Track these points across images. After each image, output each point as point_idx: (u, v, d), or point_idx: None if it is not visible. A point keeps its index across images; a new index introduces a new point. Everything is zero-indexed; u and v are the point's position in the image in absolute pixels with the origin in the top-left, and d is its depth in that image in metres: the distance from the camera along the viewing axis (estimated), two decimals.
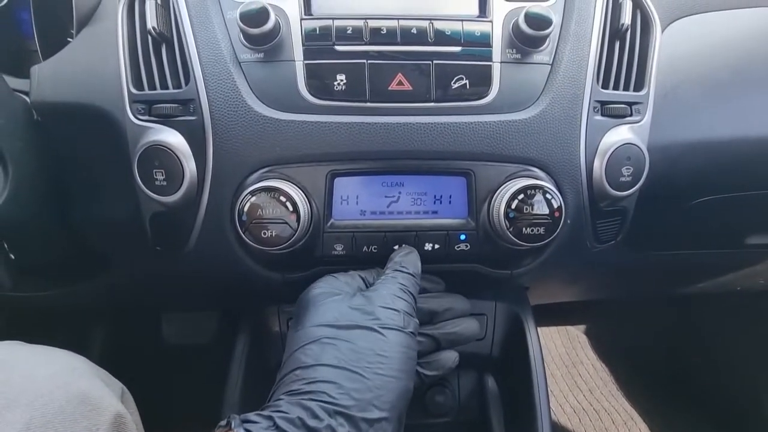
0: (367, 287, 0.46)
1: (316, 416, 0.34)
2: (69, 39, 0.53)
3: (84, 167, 0.53)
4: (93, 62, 0.49)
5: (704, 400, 1.13)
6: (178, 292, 0.75)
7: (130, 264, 0.61)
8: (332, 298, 0.42)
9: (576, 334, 1.56)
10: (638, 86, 0.52)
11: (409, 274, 0.45)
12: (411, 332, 0.41)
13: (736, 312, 1.05)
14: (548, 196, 0.44)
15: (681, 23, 0.58)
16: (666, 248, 0.68)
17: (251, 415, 0.35)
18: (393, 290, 0.42)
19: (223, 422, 0.35)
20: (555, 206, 0.45)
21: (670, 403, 1.20)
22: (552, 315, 1.43)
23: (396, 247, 0.49)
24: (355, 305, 0.41)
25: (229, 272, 0.53)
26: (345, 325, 0.39)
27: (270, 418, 0.34)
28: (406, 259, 0.46)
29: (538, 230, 0.45)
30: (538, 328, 0.64)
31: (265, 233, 0.43)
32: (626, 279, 0.84)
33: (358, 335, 0.39)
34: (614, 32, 0.51)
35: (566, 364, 1.51)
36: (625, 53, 0.52)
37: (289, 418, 0.34)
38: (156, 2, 0.47)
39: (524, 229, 0.45)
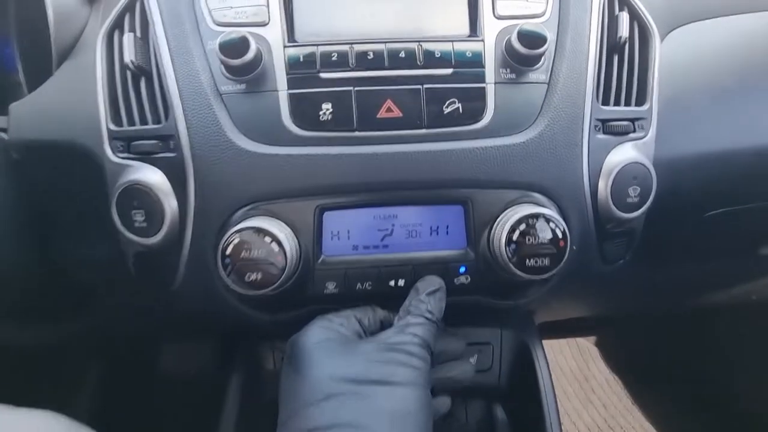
0: (363, 330, 0.43)
1: None
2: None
3: (65, 206, 0.51)
4: (72, 97, 0.48)
5: (724, 416, 1.09)
6: (167, 328, 0.75)
7: (116, 303, 0.60)
8: (337, 347, 0.39)
9: (587, 346, 1.52)
10: (640, 101, 0.50)
11: (433, 323, 0.41)
12: (425, 386, 0.38)
13: (753, 322, 1.02)
14: (551, 224, 0.42)
15: (680, 32, 0.57)
16: (676, 262, 0.65)
17: None
18: (413, 344, 0.38)
19: None
20: (559, 235, 0.42)
21: (688, 419, 1.16)
22: (560, 327, 1.39)
23: (419, 283, 0.45)
24: (372, 358, 0.37)
25: (216, 311, 0.51)
26: (360, 381, 0.36)
27: None
28: (433, 300, 0.43)
29: (542, 261, 0.42)
30: (547, 341, 0.61)
31: (250, 276, 0.41)
32: (636, 294, 0.81)
33: (377, 393, 0.36)
34: (612, 46, 0.50)
35: (578, 378, 1.48)
36: (624, 67, 0.50)
37: None
38: (134, 35, 0.46)
39: (527, 260, 0.42)
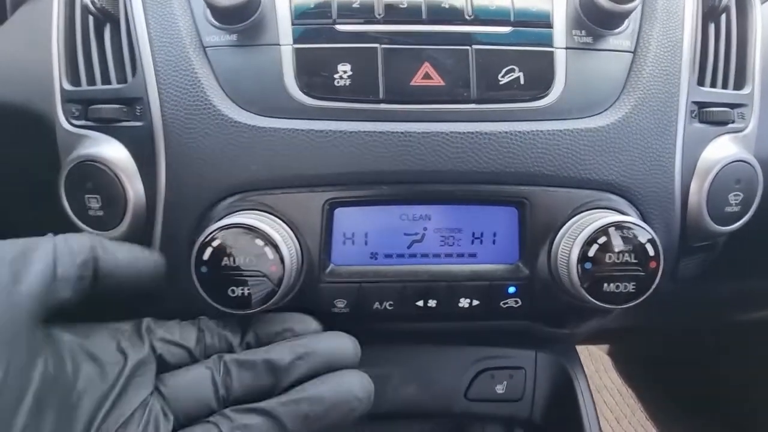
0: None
1: None
2: None
3: (18, 182, 0.45)
4: (25, 49, 0.42)
5: None
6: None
7: None
8: None
9: (599, 354, 1.47)
10: (739, 83, 0.41)
11: None
12: None
13: None
14: (641, 238, 0.32)
15: None
16: (747, 278, 0.56)
17: None
18: None
19: None
20: (651, 252, 0.32)
21: None
22: None
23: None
24: None
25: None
26: None
27: None
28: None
29: (626, 287, 0.32)
30: None
31: (233, 291, 0.31)
32: (683, 309, 0.72)
33: None
34: (708, 11, 0.40)
35: (589, 389, 1.41)
36: (722, 38, 0.41)
37: None
38: None
39: (606, 284, 0.32)
